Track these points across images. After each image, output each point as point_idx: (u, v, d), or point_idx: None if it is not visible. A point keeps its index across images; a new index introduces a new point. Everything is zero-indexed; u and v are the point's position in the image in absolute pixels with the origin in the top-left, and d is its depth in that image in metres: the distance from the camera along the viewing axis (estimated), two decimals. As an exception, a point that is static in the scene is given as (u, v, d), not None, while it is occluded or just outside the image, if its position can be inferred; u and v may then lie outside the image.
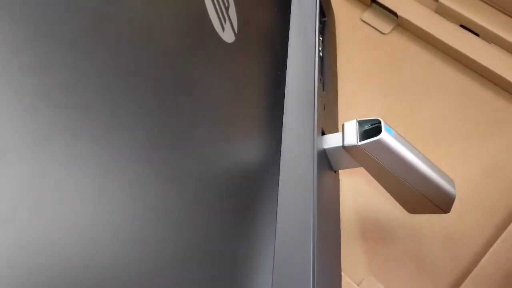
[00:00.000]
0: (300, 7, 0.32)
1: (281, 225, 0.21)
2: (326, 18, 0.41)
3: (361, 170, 0.28)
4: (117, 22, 0.14)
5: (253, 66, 0.25)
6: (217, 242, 0.17)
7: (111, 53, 0.14)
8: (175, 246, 0.15)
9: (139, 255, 0.13)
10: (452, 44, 0.41)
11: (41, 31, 0.11)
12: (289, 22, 0.31)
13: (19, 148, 0.10)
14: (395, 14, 0.44)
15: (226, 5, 0.22)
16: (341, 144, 0.27)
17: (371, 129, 0.26)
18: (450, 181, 0.27)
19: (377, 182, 0.28)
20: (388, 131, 0.25)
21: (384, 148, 0.25)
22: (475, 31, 0.41)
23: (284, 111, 0.26)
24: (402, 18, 0.43)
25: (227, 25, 0.22)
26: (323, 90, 0.33)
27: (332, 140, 0.28)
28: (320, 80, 0.32)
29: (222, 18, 0.21)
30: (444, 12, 0.42)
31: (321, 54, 0.36)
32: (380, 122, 0.26)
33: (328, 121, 0.32)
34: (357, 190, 0.36)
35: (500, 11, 0.40)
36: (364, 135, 0.26)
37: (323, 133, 0.29)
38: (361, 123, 0.27)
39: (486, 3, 0.41)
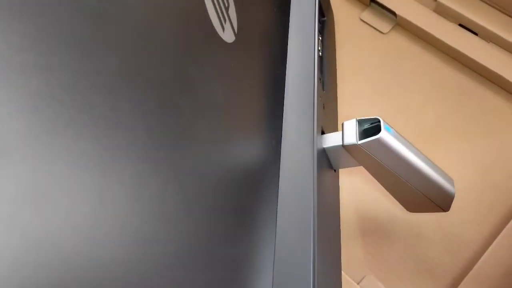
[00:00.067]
0: (300, 7, 0.32)
1: (281, 225, 0.21)
2: (325, 18, 0.41)
3: (361, 169, 0.28)
4: (117, 22, 0.14)
5: (253, 66, 0.25)
6: (217, 242, 0.17)
7: (112, 53, 0.14)
8: (175, 246, 0.15)
9: (139, 256, 0.13)
10: (451, 44, 0.41)
11: (43, 31, 0.11)
12: (289, 22, 0.31)
13: (22, 147, 0.10)
14: (394, 13, 0.44)
15: (226, 5, 0.22)
16: (340, 143, 0.27)
17: (370, 128, 0.27)
18: (450, 180, 0.27)
19: (376, 181, 0.28)
20: (387, 130, 0.25)
21: (384, 147, 0.25)
22: (474, 31, 0.41)
23: (284, 110, 0.26)
24: (401, 18, 0.43)
25: (227, 25, 0.22)
26: (323, 90, 0.33)
27: (331, 139, 0.28)
28: (320, 79, 0.32)
29: (222, 18, 0.21)
30: (443, 12, 0.42)
31: (320, 53, 0.36)
32: (379, 121, 0.26)
33: (327, 120, 0.32)
34: (357, 189, 0.36)
35: (499, 10, 0.40)
36: (364, 134, 0.26)
37: (322, 132, 0.29)
38: (360, 122, 0.27)
39: (485, 2, 0.41)
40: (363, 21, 0.46)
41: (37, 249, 0.10)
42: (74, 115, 0.12)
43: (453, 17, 0.41)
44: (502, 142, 0.38)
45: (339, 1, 0.47)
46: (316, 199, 0.23)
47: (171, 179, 0.15)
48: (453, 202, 0.28)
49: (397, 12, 0.43)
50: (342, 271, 0.29)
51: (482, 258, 0.31)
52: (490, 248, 0.32)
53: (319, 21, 0.36)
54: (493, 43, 0.40)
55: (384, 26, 0.45)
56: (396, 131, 0.26)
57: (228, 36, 0.22)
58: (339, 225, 0.30)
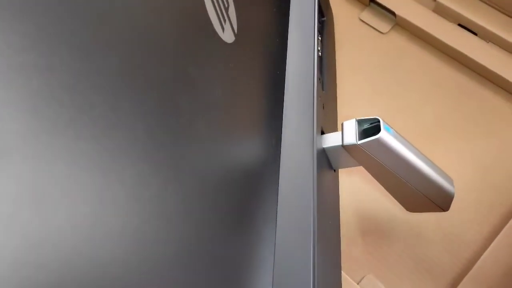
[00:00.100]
0: (299, 7, 0.32)
1: (281, 225, 0.21)
2: (325, 18, 0.41)
3: (361, 169, 0.28)
4: (117, 22, 0.14)
5: (252, 66, 0.25)
6: (217, 242, 0.17)
7: (112, 53, 0.14)
8: (174, 246, 0.15)
9: (139, 256, 0.13)
10: (450, 43, 0.41)
11: (43, 31, 0.11)
12: (288, 22, 0.31)
13: (22, 147, 0.10)
14: (393, 13, 0.44)
15: (226, 5, 0.22)
16: (340, 143, 0.27)
17: (370, 128, 0.27)
18: (449, 180, 0.27)
19: (376, 181, 0.28)
20: (387, 130, 0.25)
21: (383, 147, 0.25)
22: (473, 30, 0.41)
23: (284, 110, 0.26)
24: (401, 18, 0.43)
25: (227, 25, 0.22)
26: (322, 90, 0.33)
27: (331, 139, 0.28)
28: (319, 79, 0.32)
29: (222, 18, 0.22)
30: (442, 12, 0.42)
31: (320, 53, 0.36)
32: (379, 121, 0.26)
33: (327, 120, 0.32)
34: (357, 189, 0.37)
35: (498, 10, 0.40)
36: (363, 134, 0.26)
37: (322, 133, 0.29)
38: (360, 122, 0.27)
39: (484, 2, 0.41)
40: (362, 21, 0.46)
41: (37, 249, 0.10)
42: (74, 115, 0.12)
43: (453, 17, 0.41)
44: (502, 142, 0.38)
45: (338, 1, 0.47)
46: (316, 199, 0.23)
47: (171, 179, 0.15)
48: (453, 202, 0.28)
49: (396, 12, 0.43)
50: (342, 271, 0.29)
51: (482, 257, 0.31)
52: (490, 247, 0.32)
53: (319, 21, 0.36)
54: (493, 43, 0.40)
55: (384, 26, 0.45)
56: (396, 131, 0.26)
57: (228, 36, 0.22)
58: (339, 225, 0.30)
